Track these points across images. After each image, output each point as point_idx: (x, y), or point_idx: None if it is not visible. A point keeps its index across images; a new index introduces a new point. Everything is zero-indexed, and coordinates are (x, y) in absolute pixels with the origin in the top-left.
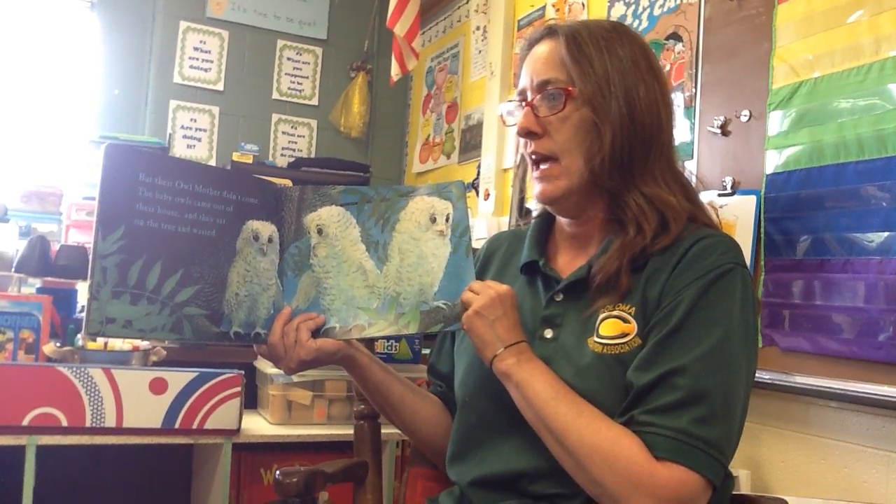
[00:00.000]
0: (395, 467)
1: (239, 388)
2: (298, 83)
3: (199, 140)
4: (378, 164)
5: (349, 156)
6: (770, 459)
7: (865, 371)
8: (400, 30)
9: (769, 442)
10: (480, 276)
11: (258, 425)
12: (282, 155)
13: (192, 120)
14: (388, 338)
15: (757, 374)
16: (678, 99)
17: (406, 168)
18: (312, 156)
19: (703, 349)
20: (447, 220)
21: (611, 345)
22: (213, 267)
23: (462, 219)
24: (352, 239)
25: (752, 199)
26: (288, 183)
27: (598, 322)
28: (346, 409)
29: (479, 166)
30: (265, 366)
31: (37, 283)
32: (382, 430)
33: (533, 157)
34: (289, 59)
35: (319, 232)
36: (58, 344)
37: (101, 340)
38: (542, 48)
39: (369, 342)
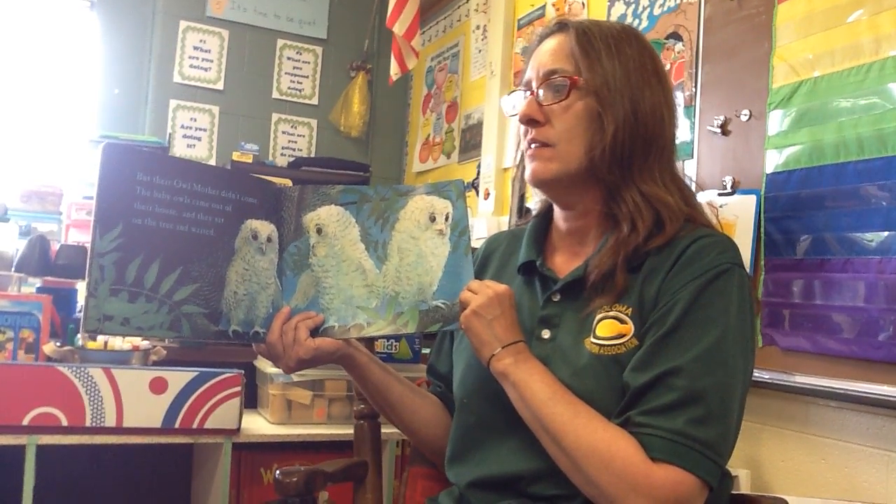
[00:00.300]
0: (395, 467)
1: (239, 388)
2: (298, 83)
3: (199, 139)
4: (378, 163)
5: (349, 155)
6: (770, 459)
7: (865, 370)
8: (399, 29)
9: (769, 441)
10: (479, 275)
11: (258, 425)
12: (282, 154)
13: (192, 119)
14: (387, 337)
15: (757, 374)
16: (678, 98)
17: (406, 168)
18: (312, 155)
19: (699, 350)
20: (446, 219)
21: (608, 345)
22: (211, 266)
23: (461, 218)
24: (351, 238)
25: (752, 198)
26: (288, 182)
27: (595, 322)
28: (346, 408)
29: (479, 166)
30: (265, 365)
31: (37, 282)
32: (382, 430)
33: (532, 144)
34: (289, 58)
35: (319, 231)
36: (58, 343)
37: (100, 340)
38: (552, 42)
39: (369, 341)
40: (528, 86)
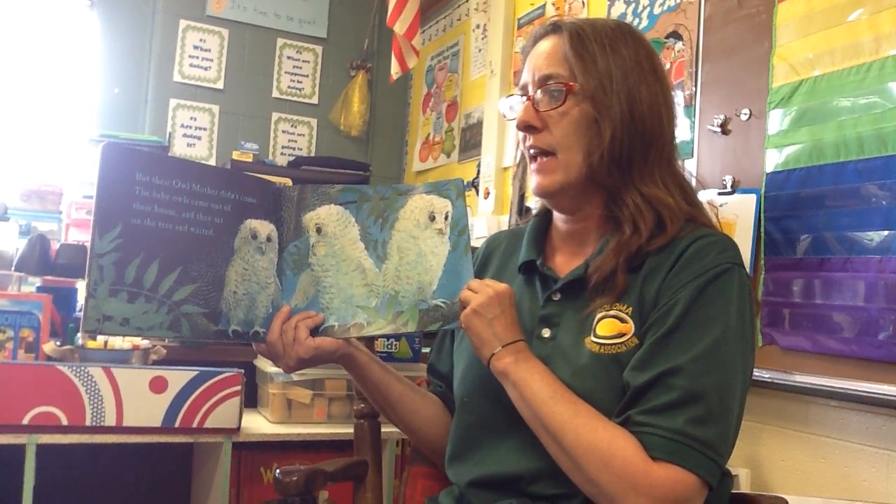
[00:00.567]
0: (395, 466)
1: (239, 387)
2: (298, 82)
3: (199, 139)
4: (378, 162)
5: (349, 154)
6: (770, 458)
7: (865, 370)
8: (400, 28)
9: (769, 441)
10: (479, 275)
11: (258, 424)
12: (282, 154)
13: (192, 118)
14: (387, 336)
15: (757, 374)
16: (678, 98)
17: (406, 167)
18: (312, 154)
19: (699, 349)
20: (446, 218)
21: (608, 344)
22: (210, 266)
23: (461, 217)
24: (351, 238)
25: (752, 197)
26: (288, 182)
27: (595, 322)
28: (346, 407)
29: (479, 165)
30: (265, 364)
31: (37, 281)
32: (382, 429)
33: (531, 151)
34: (289, 57)
35: (318, 231)
36: (58, 343)
37: (100, 339)
38: (546, 44)
39: (369, 341)
40: (524, 90)
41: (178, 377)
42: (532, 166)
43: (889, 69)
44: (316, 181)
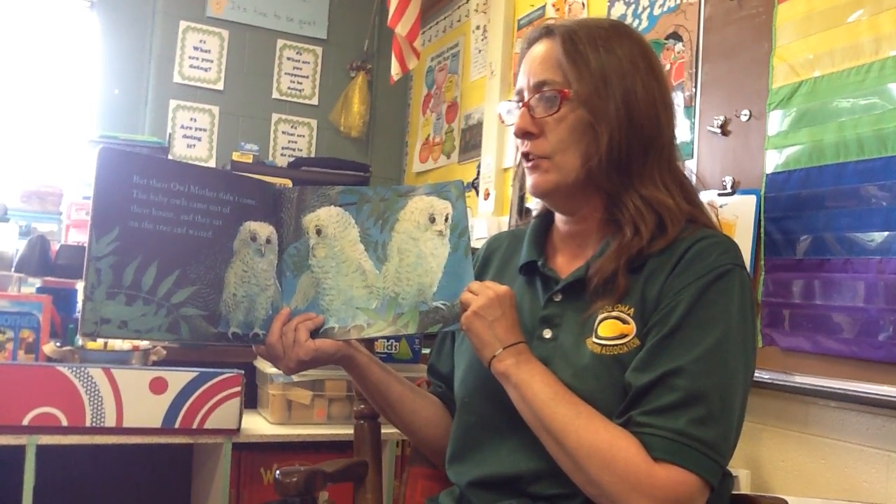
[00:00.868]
0: (395, 467)
1: (239, 388)
2: (298, 83)
3: (199, 140)
4: (378, 163)
5: (349, 155)
6: (770, 459)
7: (865, 371)
8: (402, 29)
9: (769, 442)
10: (479, 276)
11: (258, 425)
12: (282, 154)
13: (191, 119)
14: (387, 338)
15: (757, 374)
16: (678, 98)
17: (406, 168)
18: (312, 155)
19: (701, 350)
20: (446, 220)
21: (609, 345)
22: (209, 268)
23: (461, 219)
24: (351, 239)
25: (752, 198)
26: (288, 183)
27: (596, 322)
28: (346, 408)
29: (479, 166)
30: (265, 365)
31: (37, 282)
32: (382, 430)
33: (529, 157)
34: (289, 58)
35: (318, 232)
36: (58, 344)
37: (100, 340)
38: (540, 48)
39: (369, 342)
40: (520, 95)
41: (178, 378)
42: (527, 164)
43: (889, 70)
44: (316, 182)
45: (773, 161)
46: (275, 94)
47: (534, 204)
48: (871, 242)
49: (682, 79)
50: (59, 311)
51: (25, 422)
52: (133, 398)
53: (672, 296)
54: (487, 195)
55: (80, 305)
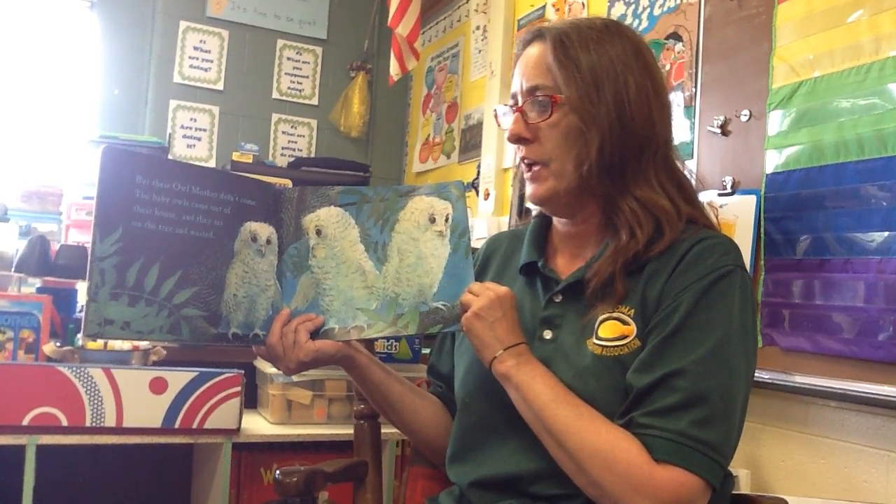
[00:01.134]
0: (395, 467)
1: (239, 388)
2: (298, 83)
3: (199, 140)
4: (378, 163)
5: (349, 156)
6: (770, 459)
7: (865, 371)
8: (402, 29)
9: (769, 441)
10: (479, 276)
11: (258, 425)
12: (282, 155)
13: (192, 119)
14: (387, 338)
15: (757, 374)
16: (678, 98)
17: (406, 168)
18: (312, 156)
19: (702, 351)
20: (446, 220)
21: (610, 346)
22: (210, 269)
23: (461, 219)
24: (351, 240)
25: (752, 198)
26: (288, 183)
27: (597, 323)
28: (346, 408)
29: (479, 166)
30: (265, 365)
31: (37, 282)
32: (382, 430)
33: (525, 161)
34: (289, 58)
35: (318, 233)
36: (58, 344)
37: (100, 340)
38: (532, 51)
39: (369, 342)
40: (515, 99)
41: (178, 378)
42: (526, 174)
43: (889, 70)
44: (316, 182)
45: (773, 161)
46: (275, 94)
47: (535, 205)
48: (871, 242)
49: (682, 79)
50: (59, 311)
51: (25, 422)
52: (133, 398)
53: (673, 297)
54: (487, 195)
55: (80, 305)
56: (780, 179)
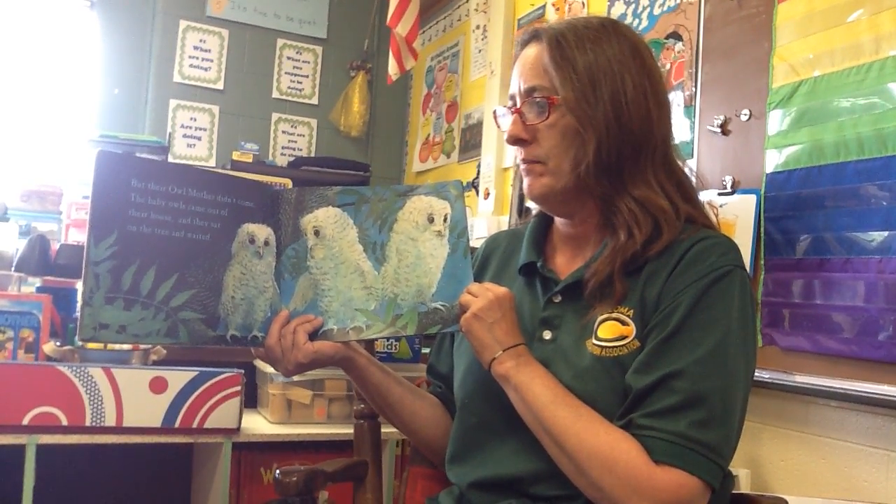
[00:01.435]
0: (395, 466)
1: (239, 388)
2: (298, 82)
3: (199, 139)
4: (378, 163)
5: (349, 155)
6: (770, 459)
7: (865, 370)
8: (402, 29)
9: (769, 441)
10: (479, 276)
11: (258, 424)
12: (282, 154)
13: (191, 119)
14: (386, 339)
15: (757, 374)
16: (678, 98)
17: (406, 167)
18: (312, 155)
19: (701, 352)
20: (445, 220)
21: (609, 347)
22: (208, 271)
23: (460, 219)
24: (349, 240)
25: (752, 198)
26: (288, 182)
27: (596, 324)
28: (346, 408)
29: (478, 165)
30: (265, 365)
31: (37, 282)
32: (382, 430)
33: (523, 160)
34: (289, 58)
35: (316, 234)
36: (58, 343)
37: None
38: (529, 52)
39: (368, 343)
40: (513, 100)
41: (178, 377)
42: (523, 167)
43: (889, 70)
44: (316, 182)
45: (773, 161)
46: (275, 94)
47: (533, 203)
48: (871, 242)
49: (682, 78)
50: (59, 310)
51: (25, 421)
52: (133, 398)
53: (672, 297)
54: (487, 195)
55: (79, 305)
56: (780, 179)
